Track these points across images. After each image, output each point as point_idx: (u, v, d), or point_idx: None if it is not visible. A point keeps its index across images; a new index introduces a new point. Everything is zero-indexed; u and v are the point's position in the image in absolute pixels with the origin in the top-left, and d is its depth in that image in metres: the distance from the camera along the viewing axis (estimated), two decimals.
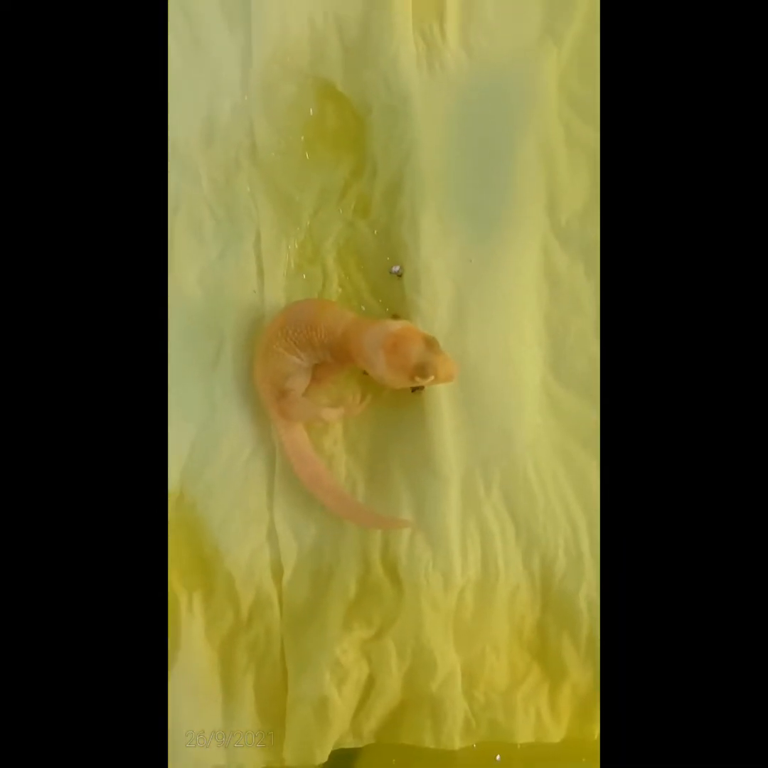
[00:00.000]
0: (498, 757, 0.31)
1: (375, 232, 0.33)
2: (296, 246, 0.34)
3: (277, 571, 0.32)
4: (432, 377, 0.28)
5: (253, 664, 0.32)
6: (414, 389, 0.31)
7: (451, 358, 0.29)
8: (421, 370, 0.28)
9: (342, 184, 0.34)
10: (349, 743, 0.31)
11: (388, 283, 0.33)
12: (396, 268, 0.33)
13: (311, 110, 0.34)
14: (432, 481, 0.31)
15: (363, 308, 0.33)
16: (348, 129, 0.34)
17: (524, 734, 0.31)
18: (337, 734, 0.31)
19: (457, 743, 0.30)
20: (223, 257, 0.34)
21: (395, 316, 0.32)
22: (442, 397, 0.31)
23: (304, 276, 0.34)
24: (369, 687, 0.31)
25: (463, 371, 0.31)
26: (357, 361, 0.30)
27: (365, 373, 0.31)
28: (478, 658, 0.31)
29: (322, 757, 0.30)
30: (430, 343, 0.29)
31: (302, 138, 0.34)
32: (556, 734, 0.31)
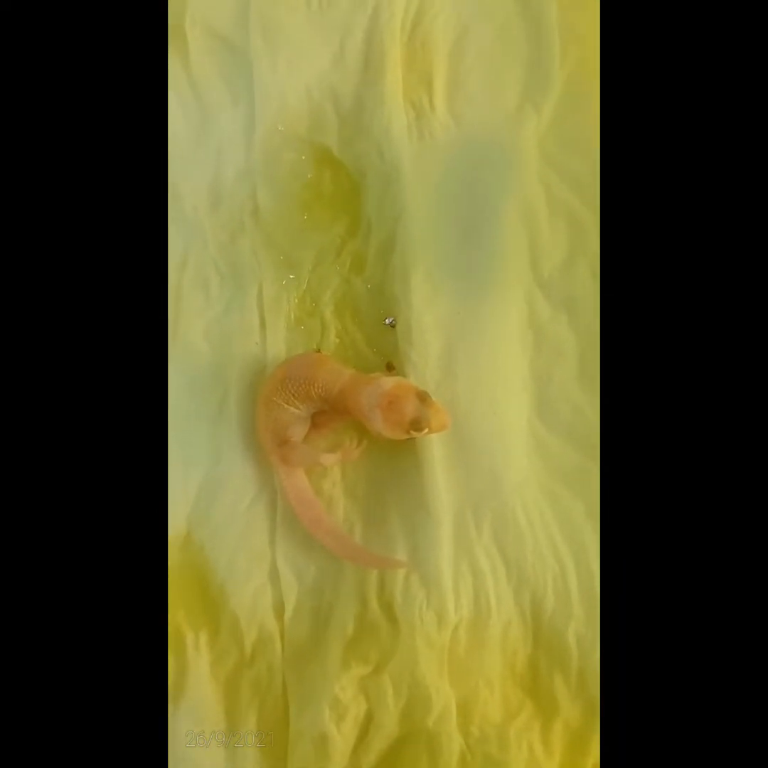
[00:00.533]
0: None
1: (369, 287, 0.36)
2: (296, 300, 0.36)
3: (279, 610, 0.33)
4: (426, 430, 0.30)
5: (256, 700, 0.33)
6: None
7: (443, 410, 0.31)
8: (417, 424, 0.30)
9: (338, 243, 0.36)
10: None
11: (382, 334, 0.35)
12: (390, 320, 0.35)
13: (309, 175, 0.37)
14: (426, 522, 0.33)
15: (358, 358, 0.35)
16: (343, 192, 0.36)
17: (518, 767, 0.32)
18: None
19: None
20: (227, 311, 0.36)
21: (389, 365, 0.35)
22: (434, 441, 0.33)
23: (304, 328, 0.36)
24: (367, 723, 0.32)
25: (454, 417, 0.32)
26: (354, 415, 0.32)
27: None
28: (472, 693, 0.32)
29: None
30: (423, 397, 0.30)
31: (301, 200, 0.36)
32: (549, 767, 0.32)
